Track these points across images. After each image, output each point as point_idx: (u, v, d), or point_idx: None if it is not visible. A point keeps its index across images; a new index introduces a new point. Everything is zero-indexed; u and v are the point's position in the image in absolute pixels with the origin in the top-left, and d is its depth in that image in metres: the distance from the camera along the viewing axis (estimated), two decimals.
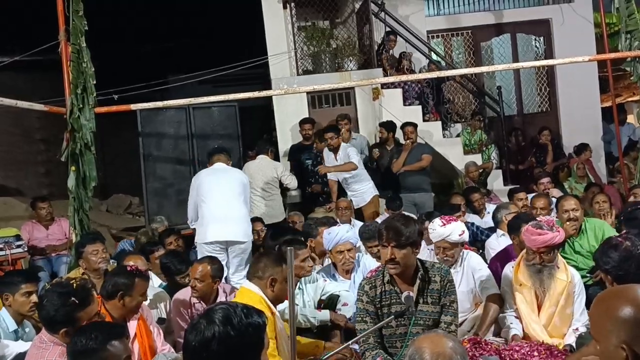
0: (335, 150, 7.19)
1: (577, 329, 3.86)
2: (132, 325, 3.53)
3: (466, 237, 4.33)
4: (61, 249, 6.67)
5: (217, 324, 1.74)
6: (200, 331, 1.74)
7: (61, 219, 6.89)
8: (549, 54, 9.71)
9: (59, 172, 10.24)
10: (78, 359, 2.44)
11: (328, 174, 7.40)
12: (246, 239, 5.62)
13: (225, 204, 5.60)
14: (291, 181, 7.28)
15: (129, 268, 3.72)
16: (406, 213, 4.75)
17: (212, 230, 5.55)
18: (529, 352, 3.51)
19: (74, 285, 2.93)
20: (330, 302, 4.35)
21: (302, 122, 7.94)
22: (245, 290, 3.38)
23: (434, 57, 9.16)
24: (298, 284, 4.30)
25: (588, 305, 3.93)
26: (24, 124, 10.70)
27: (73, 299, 2.85)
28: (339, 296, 4.33)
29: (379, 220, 6.28)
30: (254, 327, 1.78)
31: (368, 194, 7.21)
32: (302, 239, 4.87)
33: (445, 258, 4.17)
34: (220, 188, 5.68)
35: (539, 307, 3.93)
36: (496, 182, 8.48)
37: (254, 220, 6.19)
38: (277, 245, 4.53)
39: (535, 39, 10.03)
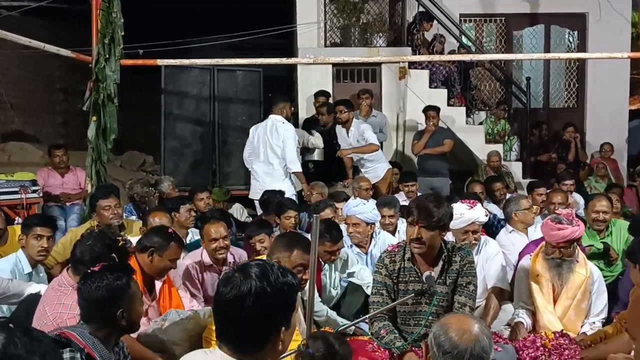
0: (346, 126, 7.06)
1: (594, 322, 3.82)
2: (157, 286, 3.53)
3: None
4: (75, 198, 6.64)
5: (254, 278, 1.67)
6: (236, 285, 1.67)
7: (77, 169, 6.86)
8: (581, 49, 9.48)
9: (76, 124, 10.28)
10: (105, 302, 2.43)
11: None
12: None
13: (264, 162, 6.23)
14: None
15: (170, 230, 3.71)
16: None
17: (252, 187, 6.23)
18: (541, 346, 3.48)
19: (120, 243, 2.90)
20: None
21: (317, 95, 7.85)
22: None
23: (465, 41, 8.99)
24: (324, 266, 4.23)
25: None
26: (45, 73, 10.67)
27: (114, 255, 2.83)
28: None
29: (398, 196, 6.26)
30: (289, 286, 1.73)
31: (381, 169, 7.16)
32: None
33: (474, 241, 4.16)
34: (264, 146, 6.29)
35: (555, 300, 3.89)
36: (515, 174, 8.37)
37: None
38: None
39: (569, 33, 9.80)
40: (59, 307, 2.76)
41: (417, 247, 3.26)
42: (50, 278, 3.98)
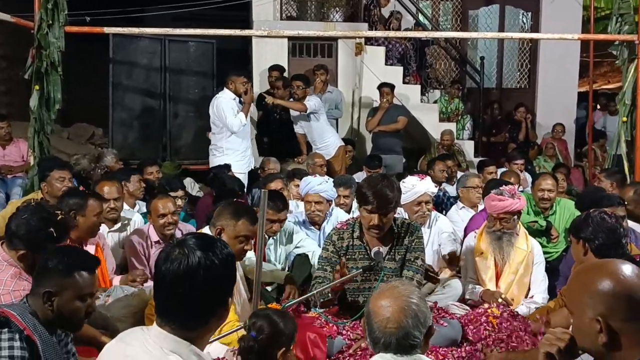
0: (301, 100, 7.01)
1: (532, 296, 3.91)
2: (90, 250, 3.43)
3: None
4: (17, 170, 6.38)
5: (199, 252, 1.62)
6: (181, 260, 1.60)
7: (19, 140, 6.59)
8: (534, 30, 9.61)
9: (19, 92, 9.79)
10: (42, 276, 2.29)
11: (295, 127, 7.33)
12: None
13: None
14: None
15: (80, 187, 3.63)
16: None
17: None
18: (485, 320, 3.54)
19: (59, 217, 2.77)
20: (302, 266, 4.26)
21: (271, 69, 7.75)
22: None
23: (421, 19, 8.99)
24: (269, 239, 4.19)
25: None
26: None
27: (52, 230, 2.69)
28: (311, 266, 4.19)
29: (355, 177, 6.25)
30: (232, 256, 1.70)
31: (333, 147, 7.13)
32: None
33: (427, 212, 4.24)
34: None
35: (498, 276, 3.97)
36: (467, 153, 8.48)
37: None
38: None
39: (523, 14, 9.92)
40: None
41: (377, 232, 3.30)
42: None
